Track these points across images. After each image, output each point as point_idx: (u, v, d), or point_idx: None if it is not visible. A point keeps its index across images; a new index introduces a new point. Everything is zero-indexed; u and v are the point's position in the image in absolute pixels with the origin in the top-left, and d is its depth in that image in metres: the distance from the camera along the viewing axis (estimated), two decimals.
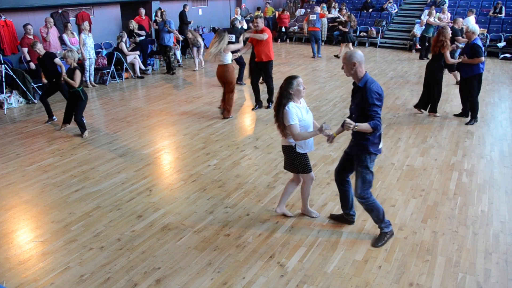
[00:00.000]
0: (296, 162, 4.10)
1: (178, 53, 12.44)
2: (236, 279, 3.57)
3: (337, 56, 13.59)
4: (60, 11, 11.20)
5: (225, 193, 5.01)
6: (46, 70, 7.11)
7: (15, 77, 8.59)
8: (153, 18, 13.17)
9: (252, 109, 8.24)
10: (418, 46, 14.37)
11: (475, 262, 3.77)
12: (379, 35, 15.82)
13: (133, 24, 11.01)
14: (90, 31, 9.94)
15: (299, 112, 3.88)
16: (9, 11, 9.89)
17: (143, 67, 11.26)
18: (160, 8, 12.38)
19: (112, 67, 10.58)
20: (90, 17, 12.02)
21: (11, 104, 8.57)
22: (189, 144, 6.55)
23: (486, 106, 8.42)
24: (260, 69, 8.02)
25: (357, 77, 3.60)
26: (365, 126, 3.55)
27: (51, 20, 9.94)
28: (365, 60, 13.86)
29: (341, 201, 4.24)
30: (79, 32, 9.80)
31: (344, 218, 4.33)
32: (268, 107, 8.29)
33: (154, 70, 12.03)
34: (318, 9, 13.92)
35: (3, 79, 8.47)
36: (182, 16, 13.57)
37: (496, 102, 8.69)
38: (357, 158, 3.82)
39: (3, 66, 8.40)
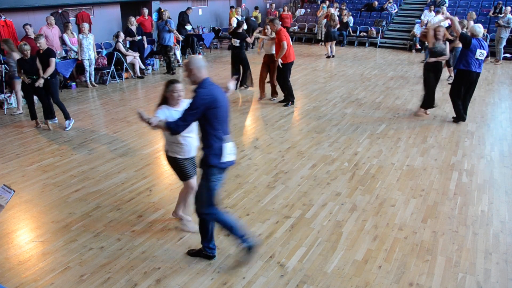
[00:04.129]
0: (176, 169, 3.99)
1: (178, 53, 12.43)
2: (236, 279, 3.57)
3: (333, 56, 13.83)
4: (60, 11, 11.21)
5: (225, 193, 5.01)
6: (43, 65, 7.04)
7: None
8: (155, 19, 13.19)
9: (284, 105, 8.59)
10: (418, 46, 14.39)
11: (475, 262, 3.77)
12: (379, 35, 15.83)
13: (132, 21, 10.98)
14: (90, 31, 9.91)
15: (168, 114, 3.74)
16: (9, 11, 9.89)
17: (143, 67, 11.26)
18: (160, 8, 12.39)
19: (112, 67, 10.58)
20: (90, 17, 12.02)
21: (11, 104, 8.56)
22: None
23: (486, 106, 8.43)
24: (280, 70, 8.46)
25: (195, 82, 3.35)
26: (161, 123, 3.32)
27: (52, 18, 9.94)
28: (365, 60, 13.92)
29: (200, 230, 3.69)
30: (79, 32, 9.77)
31: (203, 253, 3.77)
32: (286, 104, 8.61)
33: (154, 70, 12.02)
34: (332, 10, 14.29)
35: (3, 79, 8.47)
36: (183, 16, 13.60)
37: (496, 102, 8.69)
38: (201, 169, 3.46)
39: (3, 66, 8.40)
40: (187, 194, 4.15)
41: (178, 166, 3.93)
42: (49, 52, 7.02)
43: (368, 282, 3.53)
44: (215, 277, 3.59)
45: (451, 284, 3.51)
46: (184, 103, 3.79)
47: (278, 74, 8.42)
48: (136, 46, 11.01)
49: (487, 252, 3.91)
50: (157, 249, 3.96)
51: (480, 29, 6.96)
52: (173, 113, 3.74)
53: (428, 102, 7.70)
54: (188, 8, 13.88)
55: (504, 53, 13.38)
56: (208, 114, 3.25)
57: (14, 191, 2.89)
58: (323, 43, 15.30)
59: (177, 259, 3.82)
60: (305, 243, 4.04)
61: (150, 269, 3.70)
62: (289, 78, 8.43)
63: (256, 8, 16.94)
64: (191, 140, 3.86)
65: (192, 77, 3.33)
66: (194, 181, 4.03)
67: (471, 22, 11.23)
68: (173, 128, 3.26)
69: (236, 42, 9.36)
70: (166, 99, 3.83)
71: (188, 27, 13.63)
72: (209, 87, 3.30)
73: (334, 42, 13.78)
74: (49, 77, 6.99)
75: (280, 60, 8.09)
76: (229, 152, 3.42)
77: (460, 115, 7.37)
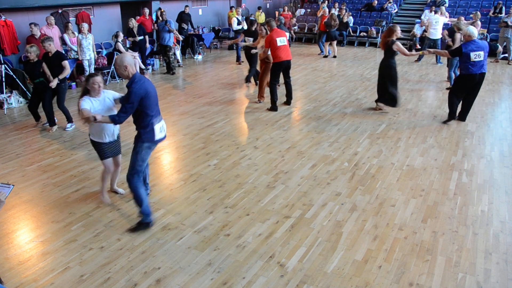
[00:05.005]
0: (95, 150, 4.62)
1: (178, 53, 12.44)
2: (236, 279, 3.57)
3: (334, 56, 13.81)
4: (60, 11, 11.21)
5: (225, 193, 5.02)
6: (52, 69, 6.96)
7: (15, 77, 8.59)
8: (154, 19, 13.20)
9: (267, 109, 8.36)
10: (418, 46, 14.38)
11: (475, 262, 3.77)
12: (379, 35, 15.81)
13: (133, 23, 10.99)
14: (90, 31, 9.91)
15: (91, 104, 4.30)
16: (9, 11, 9.90)
17: (143, 67, 11.26)
18: (160, 8, 12.40)
19: (112, 67, 10.58)
20: (90, 17, 12.03)
21: (11, 104, 8.57)
22: (189, 144, 6.55)
23: (486, 106, 8.43)
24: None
25: (128, 77, 3.98)
26: (104, 119, 4.04)
27: (52, 18, 9.94)
28: (365, 60, 13.95)
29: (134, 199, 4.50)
30: (79, 32, 9.78)
31: (142, 223, 4.38)
32: (269, 108, 8.35)
33: (154, 70, 12.03)
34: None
35: (3, 79, 8.47)
36: (182, 16, 13.61)
37: (496, 102, 8.69)
38: (134, 144, 4.21)
39: (3, 66, 8.40)
40: (103, 172, 4.71)
41: (97, 148, 4.55)
42: (60, 56, 6.89)
43: (368, 282, 3.53)
44: (215, 277, 3.59)
45: (451, 284, 3.51)
46: (107, 93, 4.47)
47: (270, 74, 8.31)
48: (137, 46, 11.03)
49: (487, 252, 3.91)
50: (157, 249, 3.97)
51: (475, 31, 6.95)
52: (94, 102, 4.32)
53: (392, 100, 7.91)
54: (186, 7, 13.87)
55: (503, 53, 13.38)
56: (142, 102, 3.93)
57: (13, 185, 2.90)
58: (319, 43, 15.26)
59: (177, 259, 3.82)
60: (305, 243, 4.04)
61: (150, 269, 3.70)
62: (275, 80, 8.12)
63: (259, 8, 16.95)
64: (110, 127, 4.43)
65: (126, 72, 3.95)
66: (110, 161, 4.65)
67: (464, 24, 11.22)
68: (117, 120, 3.96)
69: (249, 40, 9.56)
70: (88, 91, 4.34)
71: (185, 26, 13.61)
72: (140, 82, 3.94)
73: (335, 42, 13.80)
74: (59, 81, 6.88)
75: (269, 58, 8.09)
76: (159, 131, 4.16)
77: (452, 115, 7.36)
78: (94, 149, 4.62)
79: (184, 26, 13.52)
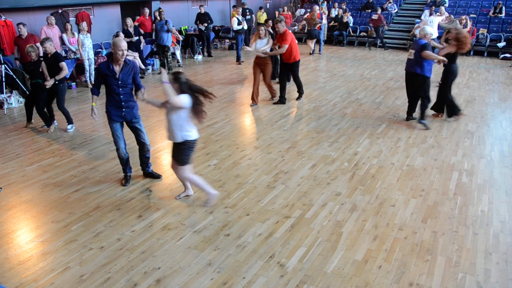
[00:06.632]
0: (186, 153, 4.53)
1: (178, 53, 12.42)
2: (236, 279, 3.57)
3: (310, 54, 14.24)
4: (60, 11, 11.21)
5: (225, 193, 5.01)
6: (51, 70, 6.91)
7: (15, 77, 8.59)
8: (153, 19, 13.20)
9: (274, 103, 8.70)
10: None
11: (475, 262, 3.77)
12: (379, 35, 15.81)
13: (130, 23, 10.96)
14: (89, 31, 9.92)
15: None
16: (9, 11, 9.90)
17: (143, 67, 11.25)
18: (159, 8, 12.40)
19: None
20: (90, 17, 12.03)
21: (11, 104, 8.57)
22: None
23: (486, 106, 8.43)
24: (288, 69, 8.60)
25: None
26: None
27: (53, 18, 9.94)
28: (365, 60, 13.92)
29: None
30: (79, 32, 9.78)
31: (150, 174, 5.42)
32: (298, 98, 8.91)
33: (154, 70, 12.02)
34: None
35: (3, 79, 8.47)
36: (199, 17, 13.64)
37: (496, 102, 8.69)
38: (137, 118, 5.14)
39: (3, 66, 8.40)
40: (193, 175, 4.74)
41: (193, 149, 4.62)
42: (58, 57, 6.81)
43: (368, 282, 3.53)
44: (215, 277, 3.59)
45: (451, 284, 3.51)
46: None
47: (285, 71, 8.59)
48: (133, 47, 11.00)
49: (487, 252, 3.91)
50: (157, 249, 3.97)
51: (420, 31, 7.08)
52: None
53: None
54: (200, 6, 13.90)
55: (503, 53, 13.39)
56: None
57: (0, 188, 2.90)
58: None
59: (177, 259, 3.82)
60: (305, 243, 4.04)
61: (150, 269, 3.70)
62: (287, 78, 8.78)
63: (260, 8, 16.94)
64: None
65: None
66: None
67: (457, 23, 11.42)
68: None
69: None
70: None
71: (202, 27, 13.58)
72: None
73: (315, 40, 14.13)
74: (57, 82, 6.82)
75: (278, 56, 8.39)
76: None
77: (409, 113, 7.54)
78: (189, 153, 4.48)
79: (202, 27, 13.53)
